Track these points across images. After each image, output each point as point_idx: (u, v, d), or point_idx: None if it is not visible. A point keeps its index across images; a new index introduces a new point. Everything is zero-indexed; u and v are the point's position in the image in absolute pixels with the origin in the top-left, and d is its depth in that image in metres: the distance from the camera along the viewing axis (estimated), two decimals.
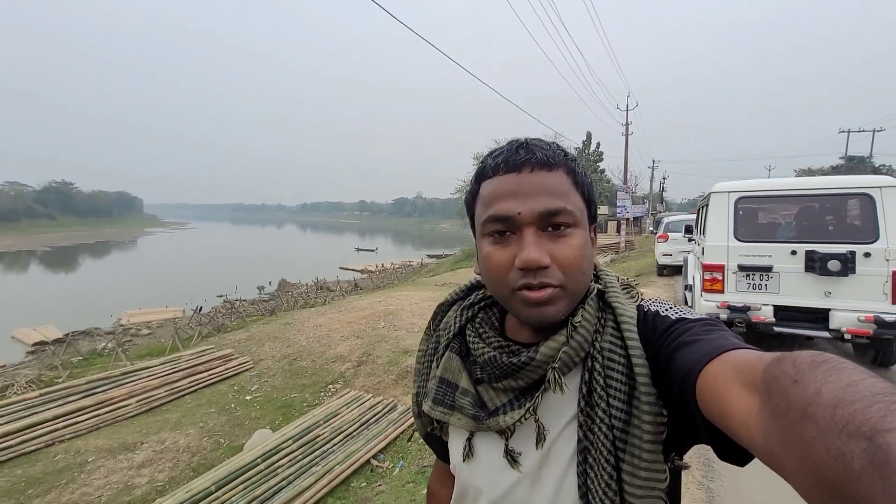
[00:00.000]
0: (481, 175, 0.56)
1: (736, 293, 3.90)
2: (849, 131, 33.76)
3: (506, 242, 0.53)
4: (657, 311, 0.55)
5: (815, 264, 3.56)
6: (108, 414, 4.45)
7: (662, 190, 51.87)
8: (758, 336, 3.91)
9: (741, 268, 3.87)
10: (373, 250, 47.73)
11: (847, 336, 3.44)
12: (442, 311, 0.70)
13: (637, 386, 0.49)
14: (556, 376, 0.52)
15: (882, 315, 3.32)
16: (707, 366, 0.41)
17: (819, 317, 3.63)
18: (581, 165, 0.57)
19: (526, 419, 0.53)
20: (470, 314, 0.64)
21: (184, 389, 5.08)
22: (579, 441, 0.52)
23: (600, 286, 0.58)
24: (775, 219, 4.44)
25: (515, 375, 0.55)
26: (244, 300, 13.96)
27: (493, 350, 0.57)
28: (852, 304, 3.48)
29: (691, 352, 0.44)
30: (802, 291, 3.68)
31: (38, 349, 9.12)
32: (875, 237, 3.44)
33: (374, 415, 4.02)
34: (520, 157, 0.53)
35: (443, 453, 0.70)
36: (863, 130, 33.51)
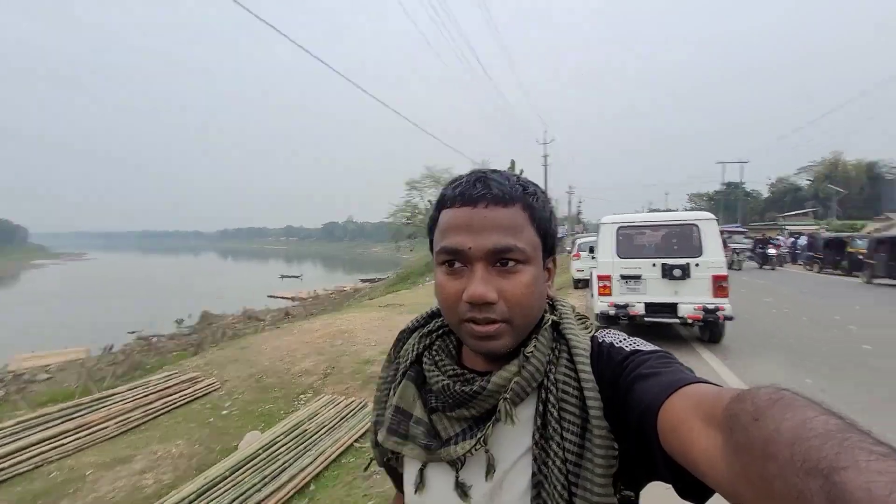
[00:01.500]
0: (441, 203, 0.58)
1: (619, 295, 5.38)
2: (724, 163, 40.79)
3: (457, 274, 0.54)
4: (612, 343, 0.56)
5: (666, 272, 5.12)
6: (89, 436, 4.72)
7: (579, 213, 57.93)
8: (636, 326, 5.38)
9: (622, 277, 5.36)
10: (297, 277, 46.66)
11: (689, 321, 5.01)
12: (403, 338, 0.70)
13: (590, 419, 0.50)
14: (507, 408, 0.53)
15: (707, 305, 4.94)
16: (668, 400, 0.42)
17: (671, 309, 5.19)
18: (541, 200, 0.57)
19: (476, 450, 0.54)
20: (428, 342, 0.65)
21: (158, 410, 5.41)
22: (534, 475, 0.52)
23: (555, 317, 0.59)
24: (643, 241, 6.08)
25: (468, 405, 0.55)
26: (161, 335, 13.48)
27: (448, 378, 0.58)
28: (690, 299, 5.08)
29: (650, 385, 0.45)
30: (661, 291, 5.23)
31: None
32: (700, 253, 5.09)
33: (351, 411, 4.82)
34: (476, 191, 0.54)
35: (401, 484, 0.69)
36: (734, 162, 40.66)
